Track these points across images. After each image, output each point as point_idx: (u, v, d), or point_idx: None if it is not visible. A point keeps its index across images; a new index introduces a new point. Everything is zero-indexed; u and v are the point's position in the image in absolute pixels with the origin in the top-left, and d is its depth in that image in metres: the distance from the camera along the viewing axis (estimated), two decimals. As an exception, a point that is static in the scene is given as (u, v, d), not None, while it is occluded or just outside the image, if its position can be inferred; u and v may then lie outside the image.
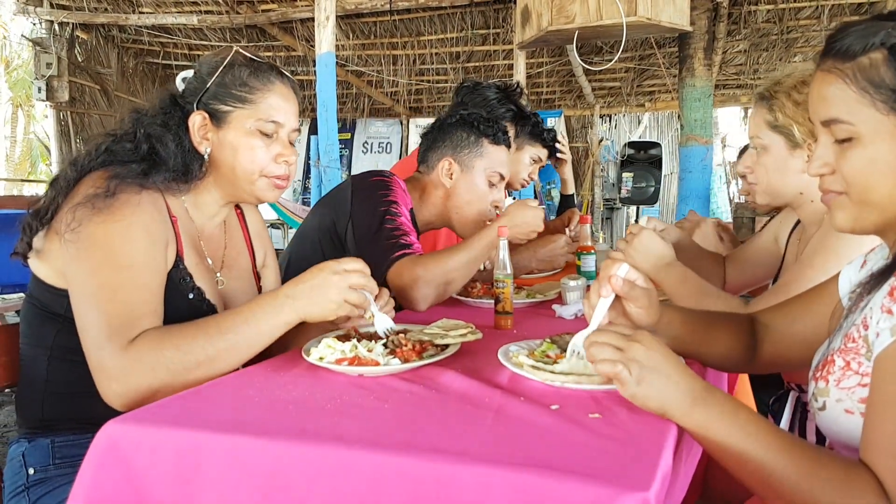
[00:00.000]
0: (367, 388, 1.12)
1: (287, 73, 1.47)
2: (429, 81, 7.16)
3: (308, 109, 8.08)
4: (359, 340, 1.28)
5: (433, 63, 6.83)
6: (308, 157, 8.22)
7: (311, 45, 5.95)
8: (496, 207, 2.07)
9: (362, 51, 6.79)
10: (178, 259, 1.34)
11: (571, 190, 3.41)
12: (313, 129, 7.69)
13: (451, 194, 2.04)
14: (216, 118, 1.38)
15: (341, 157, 8.23)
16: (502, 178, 2.07)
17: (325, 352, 1.23)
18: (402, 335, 1.32)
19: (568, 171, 3.33)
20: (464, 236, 2.08)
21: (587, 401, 1.04)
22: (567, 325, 1.64)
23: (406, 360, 1.21)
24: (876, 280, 0.94)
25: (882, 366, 0.85)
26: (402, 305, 1.72)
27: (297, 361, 1.26)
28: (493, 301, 1.65)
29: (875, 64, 0.89)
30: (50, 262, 1.29)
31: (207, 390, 1.11)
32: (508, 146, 2.10)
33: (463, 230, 2.07)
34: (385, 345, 1.28)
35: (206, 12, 6.00)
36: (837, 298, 1.11)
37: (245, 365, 1.25)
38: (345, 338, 1.32)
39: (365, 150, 8.70)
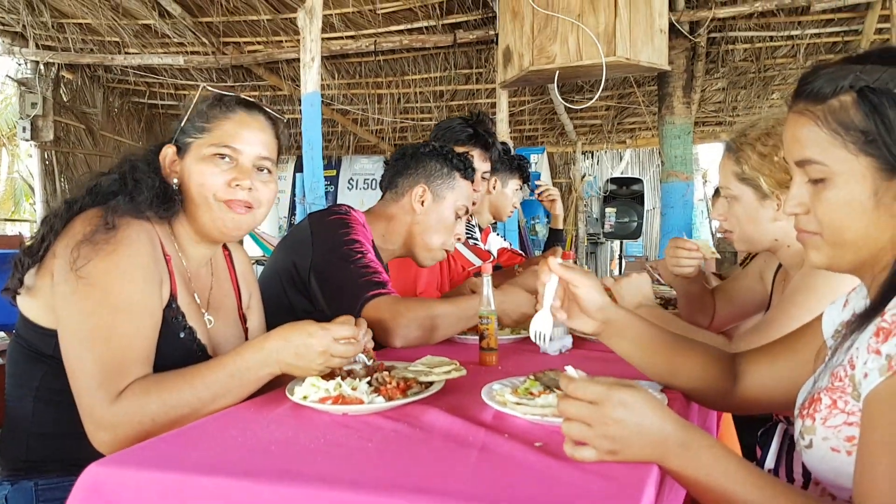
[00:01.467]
0: (351, 427, 1.11)
1: (265, 107, 1.47)
2: (413, 119, 7.24)
3: (294, 147, 8.13)
4: (343, 378, 1.28)
5: (417, 102, 6.92)
6: (294, 195, 8.25)
7: (297, 85, 6.02)
8: (457, 239, 2.11)
9: (348, 90, 6.87)
10: (172, 297, 1.34)
11: (561, 225, 3.62)
12: (299, 167, 7.72)
13: (419, 221, 2.04)
14: (181, 149, 1.41)
15: (327, 193, 8.27)
16: (467, 211, 2.11)
17: (308, 390, 1.23)
18: (386, 373, 1.32)
19: (559, 207, 3.58)
20: (423, 265, 2.11)
21: (571, 437, 1.05)
22: (551, 361, 1.64)
23: (390, 398, 1.21)
24: (861, 320, 0.95)
25: (872, 406, 0.86)
26: (378, 340, 1.70)
27: (280, 400, 1.26)
28: (477, 337, 1.65)
29: (845, 106, 0.92)
30: (40, 300, 1.29)
31: (191, 431, 1.10)
32: (473, 181, 2.15)
33: (423, 259, 2.08)
34: (369, 382, 1.28)
35: (193, 53, 6.05)
36: (821, 339, 1.13)
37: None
38: (329, 376, 1.32)
39: (350, 187, 8.74)
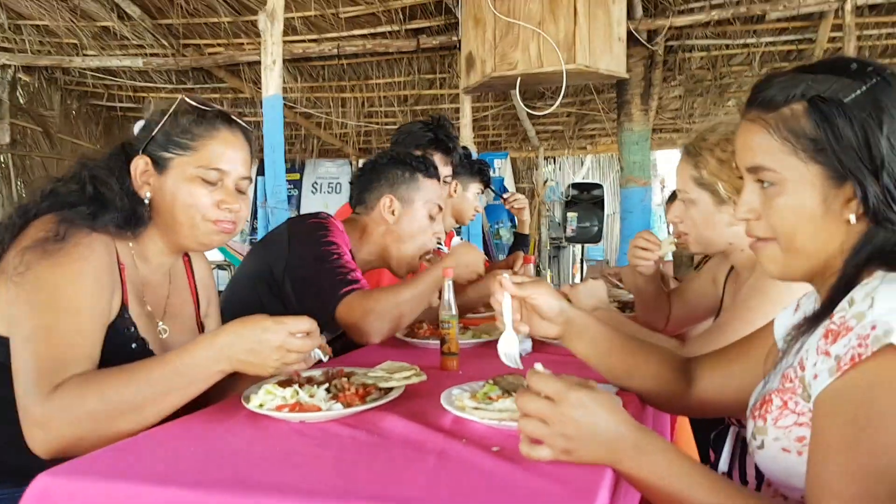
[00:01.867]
0: (308, 435, 1.11)
1: (239, 121, 1.46)
2: (377, 123, 7.22)
3: (256, 151, 8.03)
4: (300, 386, 1.27)
5: (381, 106, 6.90)
6: (255, 198, 8.16)
7: (259, 88, 5.95)
8: (437, 240, 2.11)
9: (310, 93, 6.81)
10: (124, 308, 1.32)
11: (527, 230, 3.70)
12: (261, 170, 7.64)
13: (393, 230, 2.05)
14: (158, 164, 1.37)
15: (290, 197, 8.19)
16: (440, 209, 2.11)
17: (265, 398, 1.22)
18: (345, 379, 1.31)
19: (526, 214, 3.70)
20: (400, 275, 2.12)
21: (528, 442, 1.05)
22: (512, 367, 1.65)
23: (349, 405, 1.21)
24: (810, 323, 0.97)
25: (822, 407, 0.88)
26: (354, 340, 1.71)
27: (236, 409, 1.24)
28: (438, 342, 1.66)
29: (796, 115, 0.94)
30: None
31: (143, 441, 1.08)
32: (439, 179, 2.16)
33: (400, 268, 2.09)
34: (328, 389, 1.27)
35: (152, 55, 5.94)
36: (772, 341, 1.15)
37: (182, 412, 1.23)
38: (286, 383, 1.31)
39: (314, 191, 8.67)
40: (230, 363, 1.20)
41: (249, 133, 1.48)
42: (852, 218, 0.93)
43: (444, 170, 2.70)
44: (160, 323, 1.43)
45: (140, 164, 1.37)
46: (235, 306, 1.66)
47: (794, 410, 0.95)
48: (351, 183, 2.20)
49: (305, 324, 1.23)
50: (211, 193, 1.38)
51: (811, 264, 0.98)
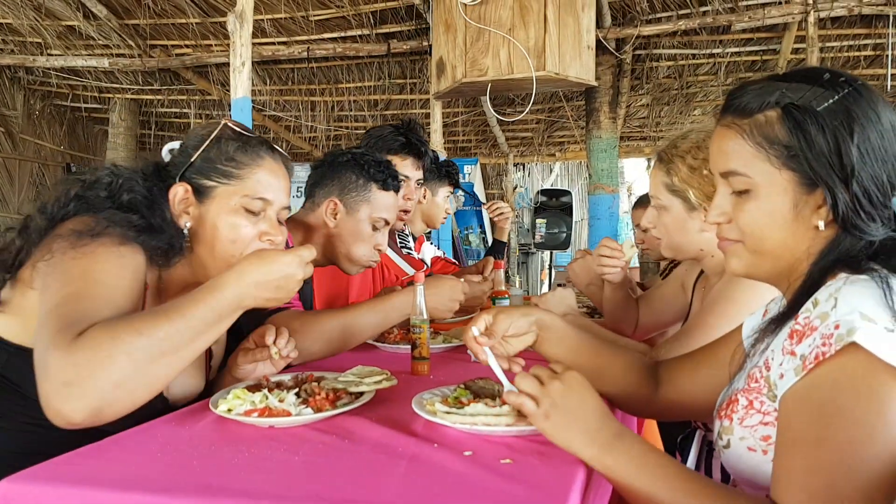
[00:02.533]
0: (277, 440, 1.09)
1: (280, 150, 1.42)
2: (347, 128, 7.20)
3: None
4: (270, 390, 1.26)
5: (352, 110, 6.88)
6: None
7: (227, 90, 5.90)
8: (378, 251, 2.04)
9: (280, 96, 6.77)
10: None
11: (506, 238, 3.71)
12: (228, 174, 7.54)
13: (333, 233, 1.99)
14: (199, 192, 1.32)
15: (257, 201, 8.11)
16: (387, 223, 2.04)
17: (233, 403, 1.20)
18: (315, 384, 1.30)
19: (508, 223, 3.70)
20: (349, 273, 2.07)
21: (500, 447, 1.06)
22: (483, 371, 1.65)
23: (319, 410, 1.20)
24: (775, 324, 1.00)
25: (787, 405, 0.90)
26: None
27: (204, 413, 1.22)
28: (409, 346, 1.65)
29: (770, 121, 0.96)
30: (14, 315, 1.19)
31: (108, 446, 1.06)
32: (397, 191, 2.08)
33: (347, 269, 2.04)
34: (297, 394, 1.26)
35: (118, 55, 5.85)
36: (740, 345, 1.17)
37: (149, 416, 1.20)
38: (255, 388, 1.29)
39: (282, 195, 8.63)
40: (255, 301, 1.14)
41: (289, 162, 1.44)
42: (821, 224, 0.96)
43: (416, 174, 2.69)
44: None
45: (180, 192, 1.31)
46: None
47: (760, 410, 0.97)
48: (312, 169, 2.13)
49: (309, 251, 1.20)
50: (254, 225, 1.33)
51: (776, 266, 1.01)
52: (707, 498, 0.89)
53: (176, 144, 1.40)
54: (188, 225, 1.31)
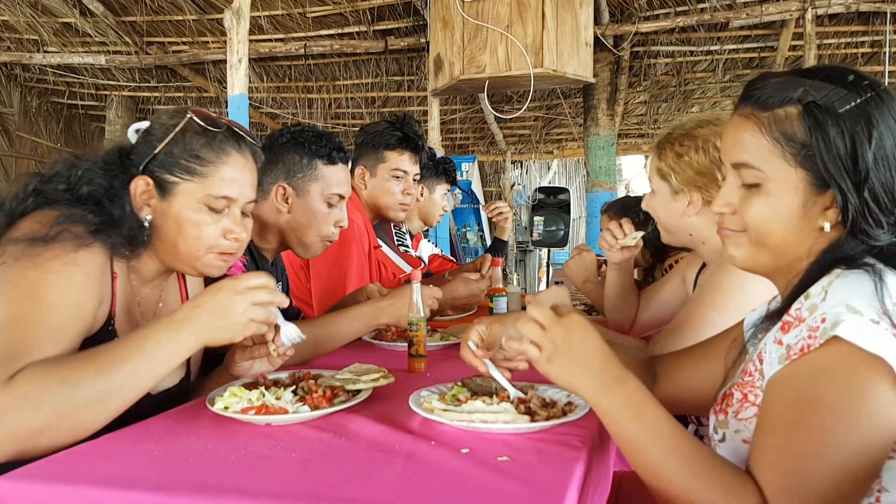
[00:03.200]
0: (274, 438, 1.09)
1: (248, 137, 1.37)
2: (344, 125, 7.19)
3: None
4: (267, 388, 1.25)
5: (349, 107, 6.87)
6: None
7: (224, 87, 5.88)
8: (339, 227, 1.98)
9: (277, 93, 6.76)
10: (110, 318, 1.26)
11: (506, 236, 3.63)
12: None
13: (289, 219, 1.92)
14: (161, 187, 1.29)
15: (254, 199, 8.09)
16: (341, 197, 1.97)
17: (230, 401, 1.19)
18: (312, 381, 1.30)
19: (509, 222, 3.59)
20: (303, 257, 2.02)
21: (497, 444, 1.05)
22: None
23: (316, 407, 1.19)
24: (770, 319, 1.00)
25: (770, 389, 0.92)
26: None
27: (200, 412, 1.22)
28: (406, 344, 1.65)
29: (790, 118, 0.95)
30: None
31: (103, 444, 1.05)
32: (346, 162, 2.00)
33: (302, 254, 1.98)
34: (294, 392, 1.25)
35: (115, 52, 5.84)
36: (742, 342, 1.17)
37: (145, 415, 1.20)
38: (252, 385, 1.29)
39: (279, 193, 8.62)
40: (195, 336, 1.13)
41: (257, 150, 1.41)
42: (827, 226, 0.96)
43: (414, 168, 2.68)
44: None
45: (141, 185, 1.29)
46: None
47: (755, 403, 0.98)
48: None
49: (259, 277, 1.18)
50: (217, 223, 1.31)
51: (775, 262, 1.01)
52: (693, 457, 0.91)
53: (144, 125, 1.36)
54: (149, 218, 1.30)
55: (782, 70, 1.04)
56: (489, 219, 3.67)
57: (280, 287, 2.02)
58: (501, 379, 1.23)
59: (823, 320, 0.86)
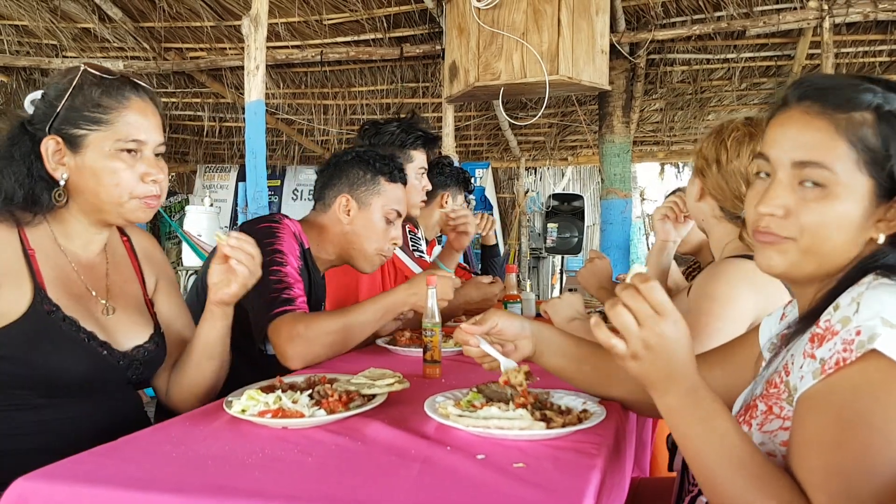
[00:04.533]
0: (290, 441, 1.10)
1: (145, 85, 1.40)
2: (359, 131, 7.21)
3: (237, 156, 7.98)
4: (283, 391, 1.26)
5: (364, 113, 6.89)
6: (236, 204, 8.09)
7: (241, 93, 5.92)
8: (394, 244, 2.06)
9: (293, 99, 6.80)
10: (39, 292, 1.29)
11: (493, 241, 3.64)
12: (242, 176, 7.58)
13: (348, 231, 2.01)
14: (71, 143, 1.32)
15: (271, 203, 8.14)
16: (399, 215, 2.06)
17: (247, 404, 1.20)
18: (328, 385, 1.30)
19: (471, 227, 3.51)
20: (364, 272, 2.09)
21: (513, 450, 1.05)
22: (495, 374, 1.65)
23: (332, 411, 1.20)
24: (796, 329, 0.98)
25: (803, 405, 0.90)
26: (281, 362, 1.67)
27: (218, 414, 1.23)
28: (421, 350, 1.65)
29: (867, 123, 0.92)
30: None
31: (123, 445, 1.06)
32: (405, 183, 2.10)
33: (363, 266, 2.06)
34: (311, 395, 1.26)
35: (133, 58, 5.90)
36: (758, 349, 1.16)
37: (164, 417, 1.21)
38: (269, 389, 1.30)
39: (295, 197, 8.63)
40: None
41: (157, 97, 1.43)
42: (881, 237, 0.94)
43: (421, 159, 2.67)
44: (104, 301, 1.41)
45: (51, 145, 1.32)
46: (193, 307, 1.63)
47: (780, 415, 0.97)
48: (318, 173, 2.14)
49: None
50: (133, 167, 1.34)
51: (820, 269, 0.96)
52: (753, 470, 0.88)
53: (38, 94, 1.38)
54: (65, 176, 1.33)
55: (852, 74, 1.01)
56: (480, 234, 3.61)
57: (323, 305, 2.10)
58: (493, 352, 1.26)
59: (858, 333, 0.85)
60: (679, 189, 2.69)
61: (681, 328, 0.93)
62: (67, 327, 1.30)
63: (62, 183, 1.33)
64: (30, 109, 1.37)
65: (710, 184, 1.69)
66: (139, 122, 1.35)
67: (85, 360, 1.31)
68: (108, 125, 1.32)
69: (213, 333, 1.44)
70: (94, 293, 1.39)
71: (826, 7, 4.51)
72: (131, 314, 1.45)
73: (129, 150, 1.33)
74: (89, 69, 1.34)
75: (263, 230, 1.85)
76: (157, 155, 1.39)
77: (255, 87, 3.27)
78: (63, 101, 1.32)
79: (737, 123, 1.69)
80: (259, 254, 1.42)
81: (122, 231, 1.53)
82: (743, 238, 1.60)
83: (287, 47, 5.59)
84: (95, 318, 1.37)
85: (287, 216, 1.97)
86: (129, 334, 1.41)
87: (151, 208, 1.38)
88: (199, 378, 1.47)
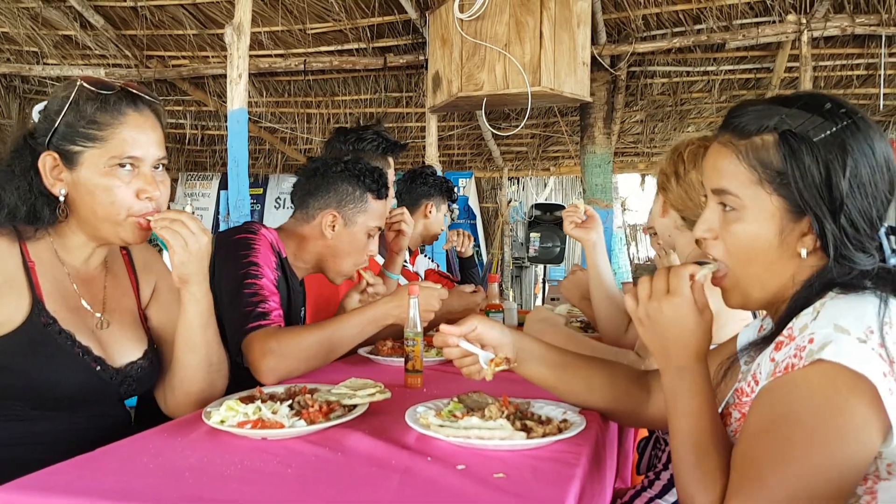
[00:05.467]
0: (270, 452, 1.09)
1: (146, 97, 1.37)
2: (342, 140, 7.20)
3: (219, 164, 7.94)
4: (263, 402, 1.26)
5: (347, 122, 6.87)
6: (217, 212, 8.05)
7: (224, 101, 5.90)
8: (370, 258, 2.08)
9: (276, 108, 6.77)
10: (39, 305, 1.28)
11: (470, 252, 3.69)
12: (224, 184, 7.54)
13: (330, 245, 1.99)
14: (67, 159, 1.31)
15: (253, 212, 8.10)
16: (379, 229, 2.07)
17: (226, 414, 1.20)
18: (308, 396, 1.30)
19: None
20: (335, 283, 2.09)
21: (493, 461, 1.06)
22: (476, 384, 1.65)
23: (312, 422, 1.19)
24: (764, 341, 1.02)
25: (753, 402, 0.95)
26: (254, 377, 1.63)
27: (196, 425, 1.22)
28: (402, 359, 1.65)
29: (766, 145, 0.97)
30: None
31: (100, 456, 1.05)
32: (386, 198, 2.10)
33: (334, 279, 2.06)
34: (291, 406, 1.25)
35: (115, 65, 5.85)
36: (733, 357, 1.18)
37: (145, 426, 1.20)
38: (248, 399, 1.29)
39: (277, 206, 8.60)
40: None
41: (159, 108, 1.40)
42: (804, 252, 0.98)
43: (391, 171, 2.69)
44: (99, 315, 1.40)
45: (48, 161, 1.30)
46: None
47: None
48: (302, 176, 2.10)
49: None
50: (128, 184, 1.31)
51: (764, 293, 1.02)
52: (700, 440, 0.97)
53: (43, 104, 1.37)
54: (63, 192, 1.31)
55: (762, 98, 1.06)
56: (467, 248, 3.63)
57: (303, 311, 2.08)
58: (471, 347, 1.27)
59: (811, 340, 0.87)
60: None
61: (681, 312, 1.01)
62: (63, 340, 1.29)
63: (61, 199, 1.31)
64: (36, 119, 1.36)
65: (671, 197, 1.74)
66: (135, 139, 1.32)
67: (78, 374, 1.30)
68: (103, 142, 1.30)
69: (185, 320, 1.40)
70: (89, 307, 1.38)
71: (804, 21, 4.58)
72: (126, 329, 1.44)
73: (125, 166, 1.31)
74: (85, 84, 1.32)
75: (239, 242, 1.82)
76: (156, 167, 1.36)
77: (237, 96, 3.26)
78: (60, 117, 1.30)
79: (691, 139, 1.75)
80: (201, 227, 1.36)
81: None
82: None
83: (270, 56, 5.58)
84: (91, 333, 1.36)
85: (264, 225, 1.94)
86: (123, 350, 1.40)
87: (144, 230, 1.34)
88: (187, 376, 1.44)
